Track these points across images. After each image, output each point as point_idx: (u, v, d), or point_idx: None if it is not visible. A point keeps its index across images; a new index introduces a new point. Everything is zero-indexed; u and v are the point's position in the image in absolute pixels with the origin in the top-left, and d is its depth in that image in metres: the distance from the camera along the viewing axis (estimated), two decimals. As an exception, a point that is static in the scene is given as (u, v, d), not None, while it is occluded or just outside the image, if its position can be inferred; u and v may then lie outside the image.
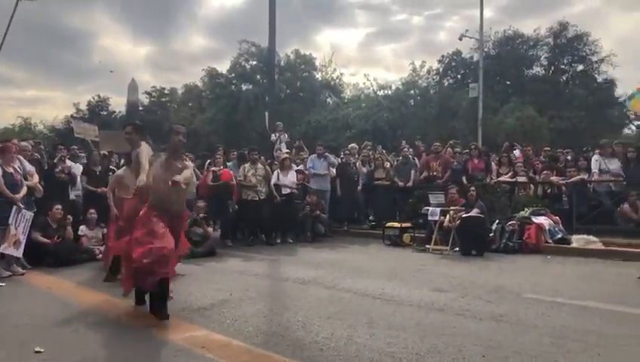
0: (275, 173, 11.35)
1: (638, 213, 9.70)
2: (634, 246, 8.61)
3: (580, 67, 31.82)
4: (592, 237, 9.06)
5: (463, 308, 5.22)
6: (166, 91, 43.09)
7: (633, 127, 33.64)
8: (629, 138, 30.29)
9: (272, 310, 5.31)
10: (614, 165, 10.65)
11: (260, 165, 11.12)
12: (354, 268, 7.77)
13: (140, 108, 36.90)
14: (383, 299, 5.65)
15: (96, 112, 41.06)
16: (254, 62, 34.55)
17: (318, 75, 36.71)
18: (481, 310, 5.11)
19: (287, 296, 6.07)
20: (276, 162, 12.04)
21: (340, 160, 12.95)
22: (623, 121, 32.53)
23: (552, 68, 32.15)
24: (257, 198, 10.86)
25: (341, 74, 41.12)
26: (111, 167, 10.49)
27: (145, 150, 5.83)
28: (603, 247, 8.74)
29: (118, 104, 54.48)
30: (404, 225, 10.77)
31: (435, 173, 12.17)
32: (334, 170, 12.38)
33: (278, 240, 11.03)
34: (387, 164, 12.79)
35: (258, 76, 34.12)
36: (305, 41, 64.33)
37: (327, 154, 12.43)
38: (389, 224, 10.89)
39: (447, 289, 6.12)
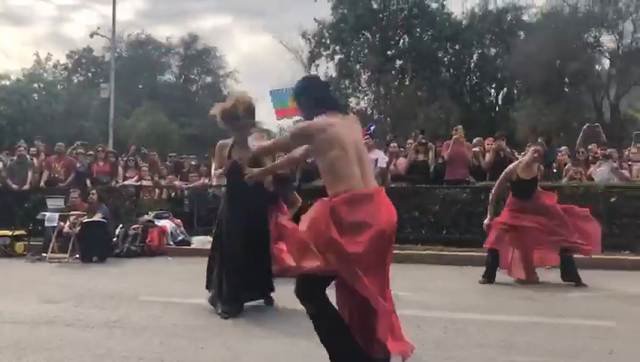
0: None
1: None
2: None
3: (209, 79, 34.35)
4: (209, 238, 9.77)
5: (76, 317, 4.93)
6: None
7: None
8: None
9: None
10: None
11: None
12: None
13: None
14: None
15: None
16: None
17: None
18: (94, 318, 4.92)
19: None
20: None
21: None
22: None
23: (183, 76, 33.79)
24: None
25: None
26: None
27: None
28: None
29: None
30: (16, 232, 9.67)
31: (57, 176, 11.31)
32: None
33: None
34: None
35: None
36: None
37: None
38: (-1, 232, 9.63)
39: (61, 300, 5.71)
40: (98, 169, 11.32)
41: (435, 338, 4.23)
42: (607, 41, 28.37)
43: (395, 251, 8.24)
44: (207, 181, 11.53)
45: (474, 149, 10.32)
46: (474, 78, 33.79)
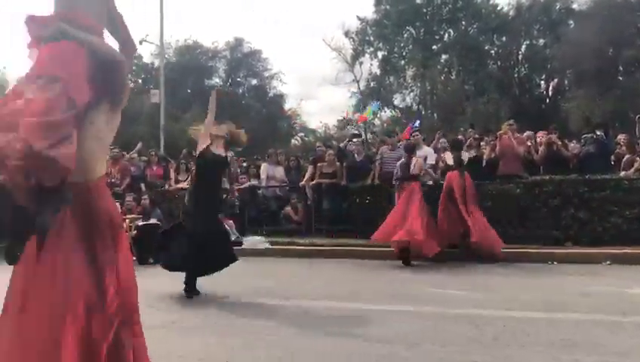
0: None
1: (298, 214, 11.03)
2: (296, 244, 9.77)
3: (255, 81, 34.77)
4: (260, 238, 9.94)
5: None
6: None
7: (298, 138, 38.28)
8: (296, 148, 34.38)
9: None
10: (279, 172, 11.89)
11: None
12: None
13: None
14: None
15: None
16: None
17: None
18: (151, 319, 4.98)
19: None
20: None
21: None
22: (290, 133, 36.78)
23: (230, 80, 34.29)
24: None
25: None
26: None
27: None
28: (269, 246, 9.65)
29: None
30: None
31: (113, 180, 11.67)
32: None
33: None
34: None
35: None
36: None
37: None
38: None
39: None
40: (152, 173, 11.64)
41: (493, 336, 4.15)
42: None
43: (446, 250, 8.22)
44: (256, 182, 11.70)
45: (528, 143, 10.07)
46: (522, 69, 32.97)
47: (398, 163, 8.91)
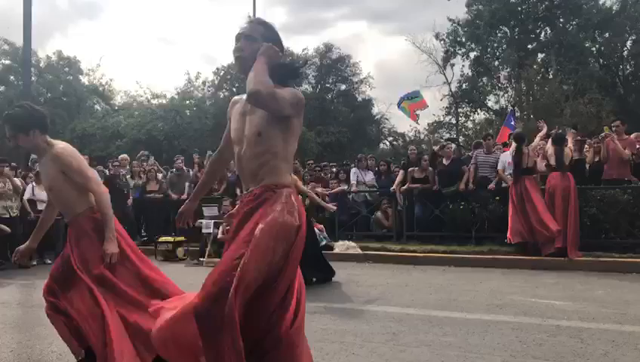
0: (30, 186, 10.18)
1: (389, 220, 10.95)
2: (387, 250, 9.70)
3: (343, 87, 34.94)
4: (351, 243, 9.95)
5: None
6: None
7: (387, 143, 38.11)
8: (384, 152, 34.22)
9: (21, 342, 4.71)
10: (369, 177, 11.87)
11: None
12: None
13: None
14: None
15: None
16: (7, 62, 30.74)
17: (85, 79, 34.14)
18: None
19: (40, 324, 5.44)
20: (31, 174, 10.77)
21: (107, 171, 12.16)
22: (379, 137, 36.65)
23: (319, 86, 34.68)
24: (8, 215, 9.64)
25: (110, 80, 38.92)
26: None
27: None
28: (360, 251, 9.64)
29: None
30: (177, 239, 10.54)
31: (213, 186, 12.17)
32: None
33: (34, 262, 9.86)
34: (160, 176, 12.39)
35: (12, 77, 30.47)
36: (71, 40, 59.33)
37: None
38: (161, 238, 10.57)
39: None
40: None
41: (602, 353, 3.90)
42: None
43: (543, 258, 7.99)
44: (346, 187, 11.75)
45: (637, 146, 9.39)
46: (628, 66, 30.84)
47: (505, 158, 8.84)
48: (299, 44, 66.13)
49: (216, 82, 33.37)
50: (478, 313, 5.24)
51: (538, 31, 32.12)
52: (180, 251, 10.37)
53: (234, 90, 33.01)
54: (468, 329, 4.65)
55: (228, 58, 43.17)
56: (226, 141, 2.98)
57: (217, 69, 33.53)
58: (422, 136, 35.01)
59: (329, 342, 4.37)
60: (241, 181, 3.03)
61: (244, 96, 2.64)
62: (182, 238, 10.55)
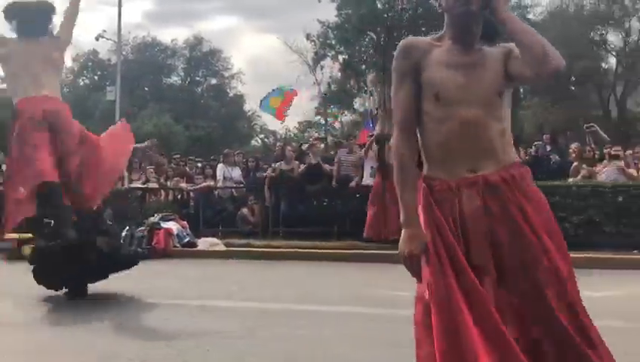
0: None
1: (255, 216, 10.96)
2: (252, 246, 9.70)
3: (214, 81, 34.42)
4: (215, 240, 9.82)
5: (83, 319, 4.96)
6: None
7: (259, 140, 38.13)
8: (256, 149, 34.21)
9: None
10: (236, 173, 11.78)
11: None
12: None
13: None
14: None
15: None
16: None
17: None
18: (101, 320, 4.93)
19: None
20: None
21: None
22: (251, 134, 36.59)
23: (189, 78, 33.87)
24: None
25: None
26: None
27: None
28: (224, 248, 9.55)
29: None
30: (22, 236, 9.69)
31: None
32: None
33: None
34: None
35: None
36: None
37: None
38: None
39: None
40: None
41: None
42: (614, 39, 28.24)
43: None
44: (212, 183, 11.57)
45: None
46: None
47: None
48: (167, 34, 63.80)
49: (75, 69, 31.23)
50: (335, 305, 5.41)
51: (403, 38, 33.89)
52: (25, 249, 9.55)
53: (95, 78, 31.18)
54: (323, 321, 4.77)
55: (90, 44, 40.68)
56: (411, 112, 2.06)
57: (77, 54, 31.43)
58: (292, 135, 35.50)
59: (183, 339, 4.27)
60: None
61: (445, 42, 2.11)
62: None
